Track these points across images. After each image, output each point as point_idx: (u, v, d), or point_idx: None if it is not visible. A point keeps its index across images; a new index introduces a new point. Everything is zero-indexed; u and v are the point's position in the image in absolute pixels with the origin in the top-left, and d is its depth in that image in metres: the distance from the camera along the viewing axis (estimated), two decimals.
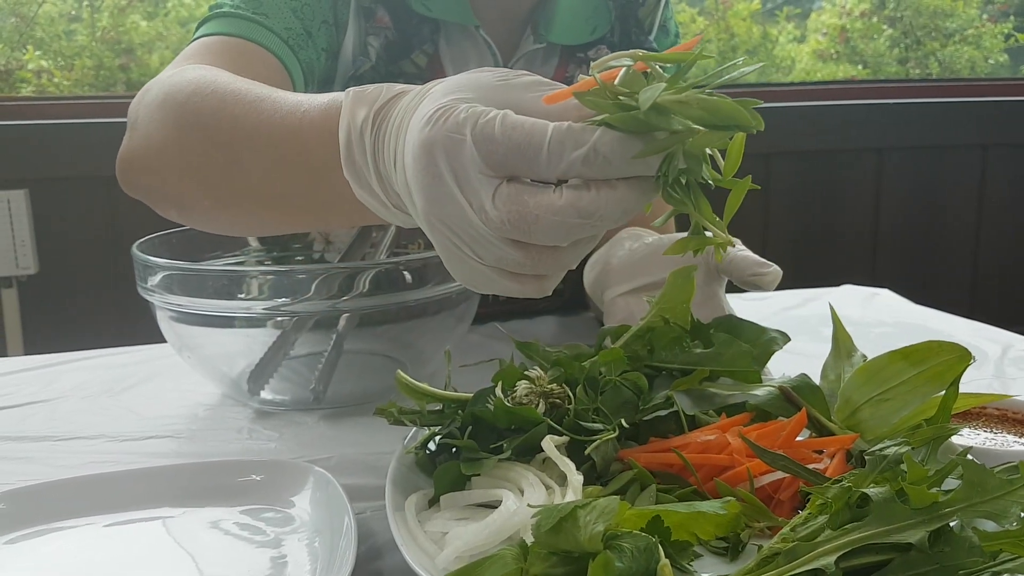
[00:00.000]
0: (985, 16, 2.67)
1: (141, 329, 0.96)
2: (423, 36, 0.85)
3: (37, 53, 2.26)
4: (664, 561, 0.40)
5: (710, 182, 0.42)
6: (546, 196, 0.40)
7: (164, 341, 0.78)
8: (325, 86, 0.84)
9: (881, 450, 0.48)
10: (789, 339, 0.64)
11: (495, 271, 0.43)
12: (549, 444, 0.51)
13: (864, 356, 0.61)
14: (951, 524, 0.40)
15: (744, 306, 0.95)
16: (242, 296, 0.70)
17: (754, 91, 2.18)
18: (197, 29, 0.77)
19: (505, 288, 0.44)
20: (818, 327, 0.92)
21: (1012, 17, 2.68)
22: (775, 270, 0.67)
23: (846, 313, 0.64)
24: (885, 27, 2.64)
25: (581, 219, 0.40)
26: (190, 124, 0.58)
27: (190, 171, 0.59)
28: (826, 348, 0.63)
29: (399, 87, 0.48)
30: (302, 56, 0.78)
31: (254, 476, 0.56)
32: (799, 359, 0.69)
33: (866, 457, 0.48)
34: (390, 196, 0.48)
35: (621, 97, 0.41)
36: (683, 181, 0.41)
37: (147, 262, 0.71)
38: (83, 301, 1.76)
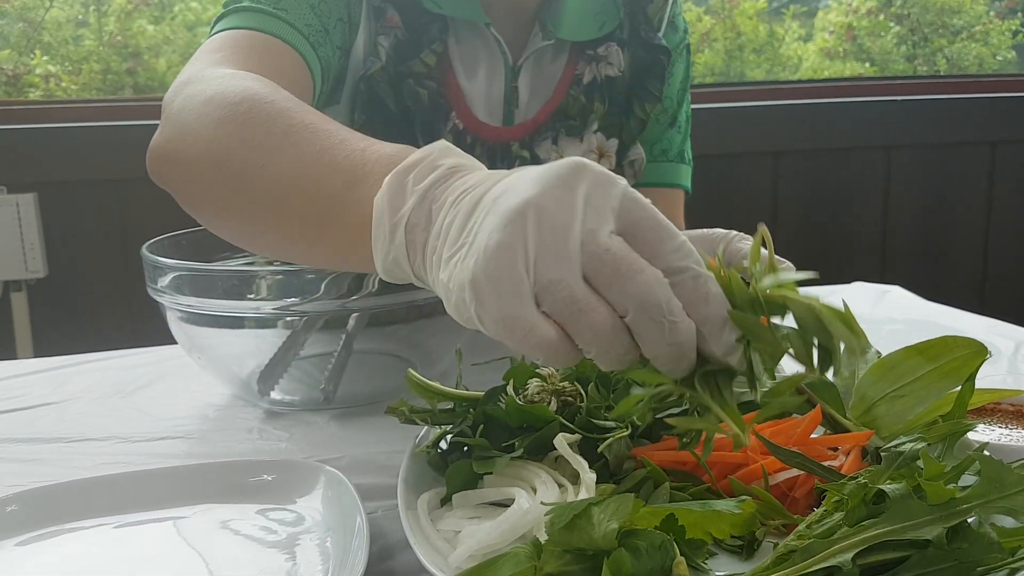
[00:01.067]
0: (992, 13, 2.66)
1: (150, 331, 0.96)
2: (432, 35, 0.85)
3: (45, 58, 2.27)
4: (679, 559, 0.39)
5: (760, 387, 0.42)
6: (652, 272, 0.38)
7: (174, 343, 0.78)
8: (337, 84, 0.84)
9: (897, 446, 0.48)
10: None
11: (534, 304, 0.39)
12: (562, 442, 0.51)
13: (878, 352, 0.60)
14: (968, 520, 0.40)
15: None
16: (252, 296, 0.70)
17: (762, 89, 2.18)
18: (215, 23, 0.77)
19: (519, 336, 0.40)
20: None
21: (1020, 14, 2.67)
22: (787, 266, 0.67)
23: (857, 310, 0.63)
24: (892, 24, 2.63)
25: (655, 319, 0.38)
26: (236, 126, 0.56)
27: (217, 167, 0.57)
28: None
29: (451, 161, 0.45)
30: (321, 53, 0.78)
31: (266, 476, 0.56)
32: None
33: (882, 454, 0.47)
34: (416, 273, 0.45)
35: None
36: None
37: (157, 263, 0.71)
38: (92, 304, 1.76)
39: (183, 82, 0.65)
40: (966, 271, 2.17)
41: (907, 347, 0.55)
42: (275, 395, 0.74)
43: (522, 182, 0.40)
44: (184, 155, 0.59)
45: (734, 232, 0.71)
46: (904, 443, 0.48)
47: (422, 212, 0.43)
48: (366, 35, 0.84)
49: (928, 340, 0.54)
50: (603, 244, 0.38)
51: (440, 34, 0.85)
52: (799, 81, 2.44)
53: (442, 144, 0.46)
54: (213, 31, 0.76)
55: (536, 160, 0.90)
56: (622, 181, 0.40)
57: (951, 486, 0.41)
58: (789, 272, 0.67)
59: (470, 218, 0.41)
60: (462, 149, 0.95)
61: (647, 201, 0.40)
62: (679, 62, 0.97)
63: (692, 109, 1.02)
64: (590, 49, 0.90)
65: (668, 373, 0.40)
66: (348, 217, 0.47)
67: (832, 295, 1.05)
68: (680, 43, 0.97)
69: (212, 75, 0.63)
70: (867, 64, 2.62)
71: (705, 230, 0.73)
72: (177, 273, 0.71)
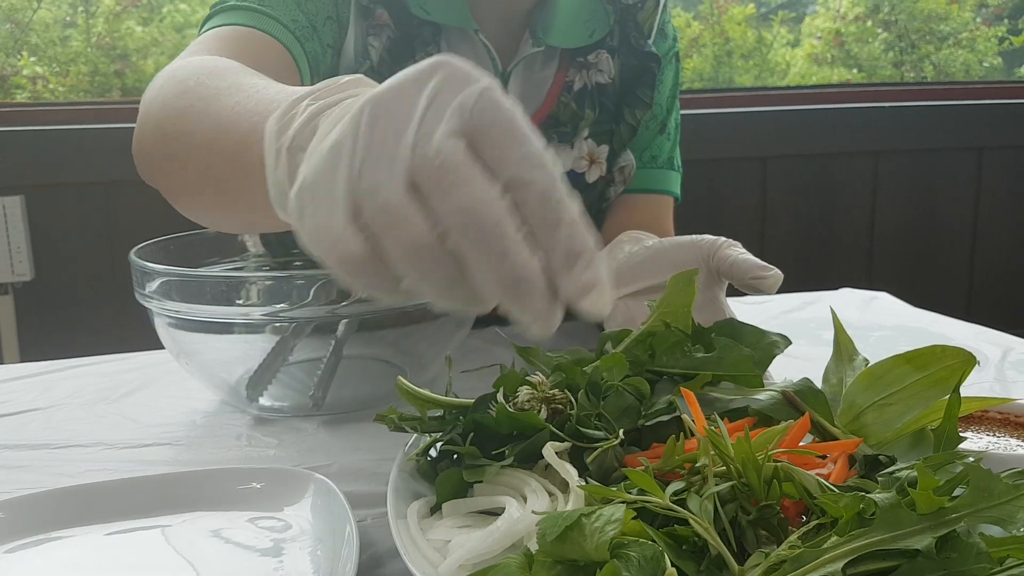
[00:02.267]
0: (979, 19, 2.68)
1: (138, 336, 0.95)
2: (425, 38, 0.85)
3: (32, 59, 2.25)
4: (671, 570, 0.39)
5: None
6: (481, 184, 0.32)
7: (161, 347, 0.77)
8: None
9: (893, 472, 0.48)
10: (790, 342, 0.63)
11: (347, 214, 0.34)
12: (550, 451, 0.51)
13: (866, 360, 0.60)
14: (957, 530, 0.40)
15: (742, 309, 0.95)
16: (240, 302, 0.69)
17: (750, 95, 2.19)
18: (203, 24, 0.78)
19: (326, 247, 0.35)
20: (817, 331, 0.92)
21: (1006, 20, 2.69)
22: (776, 273, 0.67)
23: (845, 317, 0.64)
24: (880, 31, 2.65)
25: (477, 242, 0.32)
26: (177, 96, 0.56)
27: (162, 142, 0.57)
28: (826, 351, 0.63)
29: (359, 89, 0.41)
30: (308, 48, 0.78)
31: (254, 484, 0.56)
32: (799, 363, 0.69)
33: (878, 477, 0.47)
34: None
35: None
36: None
37: (145, 268, 0.71)
38: (79, 308, 1.75)
39: (156, 77, 0.66)
40: (953, 276, 2.18)
41: (896, 356, 0.55)
42: (264, 401, 0.74)
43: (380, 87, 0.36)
44: (144, 141, 0.60)
45: (723, 239, 0.71)
46: (902, 469, 0.48)
47: (307, 132, 0.39)
48: (356, 35, 0.84)
49: (917, 349, 0.54)
50: (435, 146, 0.32)
51: (433, 38, 0.85)
52: (787, 87, 2.46)
53: (355, 76, 0.42)
54: (202, 31, 0.76)
55: None
56: (485, 80, 0.34)
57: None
58: (777, 279, 0.68)
59: (339, 124, 0.36)
60: None
61: (508, 103, 0.34)
62: (668, 69, 0.97)
63: (681, 115, 1.02)
64: (580, 56, 0.91)
65: (526, 328, 0.33)
66: (252, 156, 0.43)
67: (819, 302, 1.06)
68: (669, 50, 0.97)
69: (170, 65, 0.65)
70: (855, 70, 2.64)
71: (694, 236, 0.73)
72: (165, 279, 0.70)
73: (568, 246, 0.32)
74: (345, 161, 0.34)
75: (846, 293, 1.09)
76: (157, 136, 0.59)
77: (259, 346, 0.73)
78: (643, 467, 0.48)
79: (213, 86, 0.54)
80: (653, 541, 0.40)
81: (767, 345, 0.63)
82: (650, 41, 0.93)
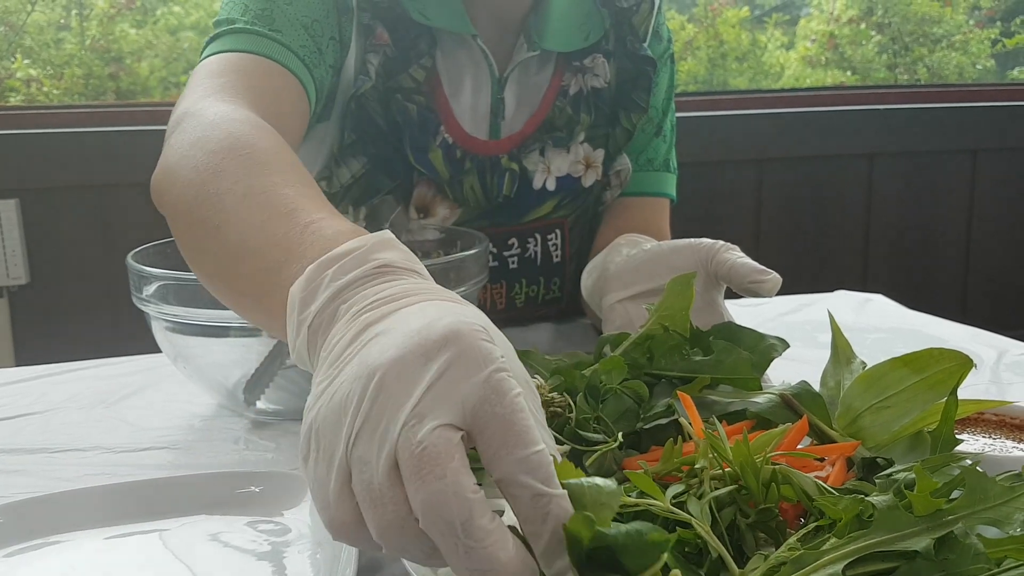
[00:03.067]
0: (972, 22, 2.69)
1: (134, 340, 0.95)
2: (420, 50, 0.85)
3: (26, 62, 2.25)
4: (675, 571, 0.39)
5: None
6: (453, 483, 0.33)
7: (158, 351, 0.77)
8: (328, 102, 0.84)
9: (891, 475, 0.48)
10: (788, 345, 0.64)
11: (341, 476, 0.35)
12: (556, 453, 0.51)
13: (863, 363, 0.61)
14: (955, 531, 0.40)
15: (738, 312, 0.95)
16: None
17: (745, 98, 2.19)
18: (209, 43, 0.76)
19: (319, 504, 0.37)
20: (813, 333, 0.92)
21: (999, 23, 2.70)
22: (774, 277, 0.67)
23: (840, 319, 0.64)
24: (873, 33, 2.66)
25: (445, 535, 0.33)
26: (209, 175, 0.56)
27: (188, 215, 0.57)
28: (822, 354, 0.63)
29: (383, 257, 0.42)
30: (316, 75, 0.77)
31: (253, 487, 0.56)
32: (796, 365, 0.69)
33: (876, 480, 0.47)
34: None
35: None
36: None
37: (142, 272, 0.71)
38: (75, 311, 1.74)
39: (182, 114, 0.65)
40: (948, 278, 2.19)
41: (893, 359, 0.55)
42: (261, 405, 0.74)
43: (397, 331, 0.36)
44: (168, 194, 0.60)
45: (721, 242, 0.71)
46: (899, 471, 0.48)
47: (327, 313, 0.41)
48: (356, 53, 0.83)
49: (914, 352, 0.54)
50: (421, 435, 0.33)
51: (428, 49, 0.85)
52: (782, 90, 2.47)
53: (381, 236, 0.44)
54: (207, 50, 0.75)
55: (524, 173, 0.90)
56: (492, 364, 0.34)
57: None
58: (775, 283, 0.68)
59: (348, 348, 0.38)
60: (452, 163, 0.95)
61: (514, 392, 0.34)
62: (664, 71, 0.97)
63: (676, 118, 1.02)
64: (576, 60, 0.91)
65: None
66: (277, 296, 0.45)
67: (815, 304, 1.06)
68: (664, 52, 0.98)
69: (206, 111, 0.63)
70: (848, 72, 2.65)
71: (692, 240, 0.73)
72: (163, 283, 0.70)
73: (552, 538, 0.34)
74: (346, 425, 0.35)
75: (841, 295, 1.10)
76: (180, 208, 0.58)
77: (256, 350, 0.73)
78: (642, 470, 0.49)
79: (244, 185, 0.53)
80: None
81: (765, 348, 0.64)
82: (645, 44, 0.93)
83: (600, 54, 0.91)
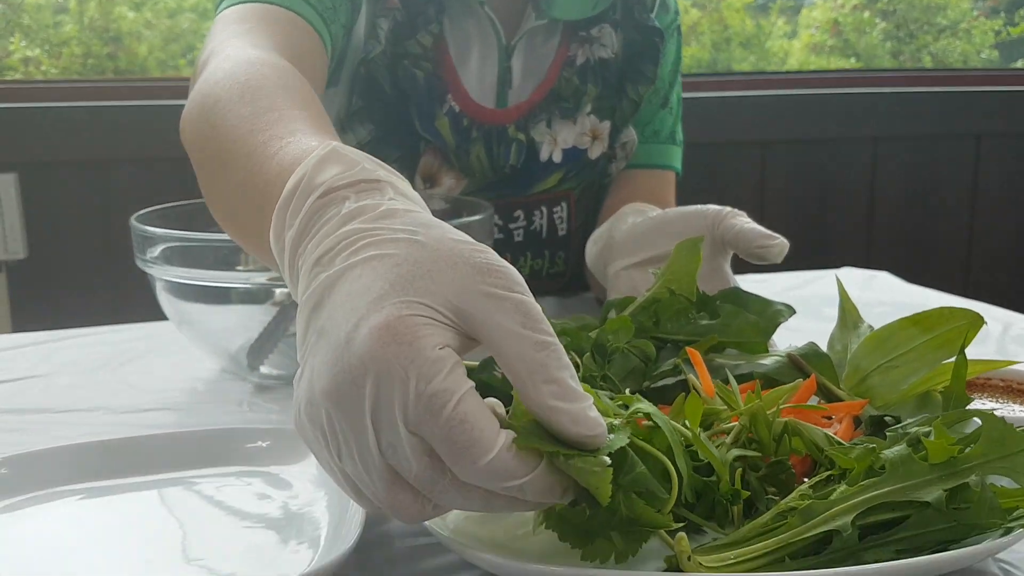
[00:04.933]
0: (976, 11, 2.68)
1: (133, 314, 0.95)
2: (428, 16, 0.84)
3: (23, 44, 2.24)
4: (681, 534, 0.39)
5: None
6: (462, 490, 0.35)
7: (159, 322, 0.77)
8: (339, 65, 0.84)
9: (904, 427, 0.48)
10: (794, 311, 0.63)
11: (350, 483, 0.37)
12: (590, 389, 0.50)
13: (870, 327, 0.60)
14: (969, 482, 0.40)
15: (745, 286, 0.95)
16: (241, 268, 0.69)
17: (750, 80, 2.19)
18: None
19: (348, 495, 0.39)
20: (820, 307, 0.92)
21: (1003, 14, 2.70)
22: (782, 241, 0.67)
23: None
24: (878, 20, 2.65)
25: (485, 509, 0.37)
26: (221, 116, 0.57)
27: (200, 154, 0.59)
28: (828, 326, 0.63)
29: (326, 180, 0.41)
30: (332, 30, 0.78)
31: (260, 442, 0.56)
32: (803, 336, 0.68)
33: (887, 433, 0.47)
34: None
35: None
36: None
37: (146, 233, 0.71)
38: (73, 286, 1.74)
39: (208, 55, 0.66)
40: (950, 262, 2.19)
41: (902, 319, 0.55)
42: (264, 370, 0.74)
43: (326, 342, 0.36)
44: (188, 134, 0.61)
45: (727, 208, 0.71)
46: (910, 424, 0.48)
47: (292, 272, 0.41)
48: (367, 16, 0.83)
49: (924, 311, 0.54)
50: (404, 464, 0.35)
51: (436, 15, 0.85)
52: (787, 72, 2.46)
53: (322, 153, 0.42)
54: (228, 3, 0.75)
55: (532, 144, 0.89)
56: (412, 379, 0.33)
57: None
58: (783, 247, 0.67)
59: (306, 334, 0.38)
60: (459, 132, 0.95)
61: (449, 406, 0.33)
62: (671, 42, 0.97)
63: (681, 99, 1.02)
64: (583, 30, 0.90)
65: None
66: (265, 238, 0.45)
67: (821, 280, 1.06)
68: (671, 24, 0.97)
69: (231, 54, 0.64)
70: (853, 59, 2.64)
71: (698, 206, 0.73)
72: (167, 244, 0.70)
73: (533, 503, 0.36)
74: (323, 444, 0.36)
75: (846, 272, 1.09)
76: (195, 147, 0.60)
77: (259, 316, 0.73)
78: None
79: (250, 120, 0.54)
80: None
81: (772, 314, 0.64)
82: (652, 15, 0.92)
83: (608, 24, 0.90)
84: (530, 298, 0.36)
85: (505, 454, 0.34)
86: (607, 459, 0.36)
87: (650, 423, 0.41)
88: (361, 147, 0.85)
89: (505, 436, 0.35)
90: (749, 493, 0.43)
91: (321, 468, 0.39)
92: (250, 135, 0.52)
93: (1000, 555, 0.45)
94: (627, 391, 0.54)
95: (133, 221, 0.73)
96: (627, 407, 0.42)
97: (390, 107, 0.85)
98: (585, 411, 0.35)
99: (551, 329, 0.36)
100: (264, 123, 0.52)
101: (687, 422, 0.44)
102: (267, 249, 0.44)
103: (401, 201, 0.40)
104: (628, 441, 0.37)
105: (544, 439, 0.35)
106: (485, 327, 0.35)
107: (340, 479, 0.38)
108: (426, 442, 0.34)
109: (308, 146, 0.46)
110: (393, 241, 0.37)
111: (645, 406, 0.41)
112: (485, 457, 0.34)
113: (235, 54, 0.64)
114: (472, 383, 0.35)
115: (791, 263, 0.81)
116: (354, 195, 0.40)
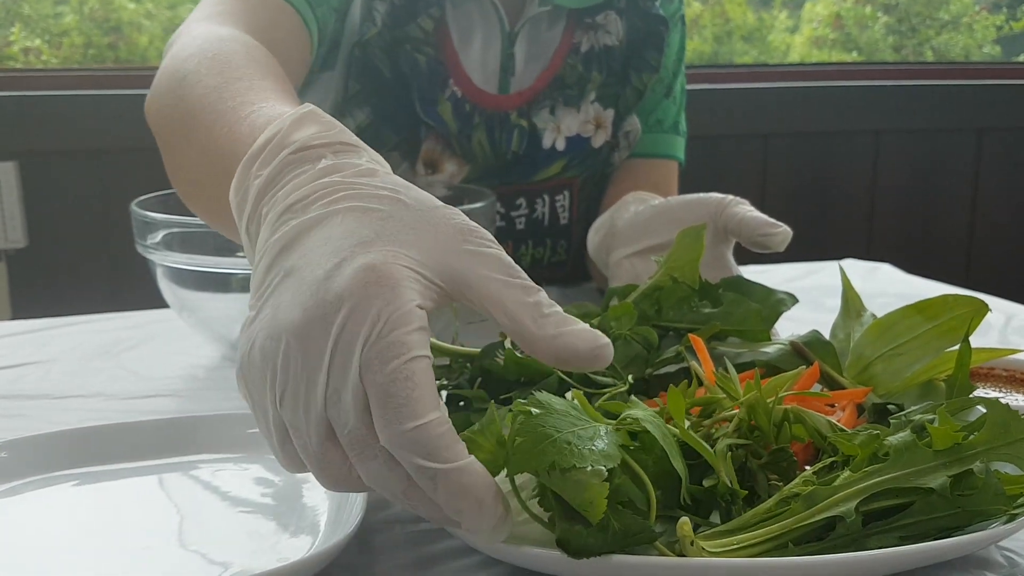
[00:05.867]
0: (978, 6, 2.67)
1: (132, 301, 0.94)
2: (428, 0, 0.84)
3: (24, 34, 2.23)
4: (684, 519, 0.39)
5: None
6: (388, 462, 0.35)
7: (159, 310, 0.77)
8: (332, 49, 0.83)
9: (907, 414, 0.47)
10: (797, 300, 0.63)
11: (280, 433, 0.37)
12: (580, 395, 0.50)
13: (873, 315, 0.60)
14: (973, 468, 0.40)
15: (746, 276, 0.94)
16: (242, 254, 0.69)
17: (752, 72, 2.18)
18: None
19: (272, 447, 0.38)
20: (821, 298, 0.92)
21: (1005, 9, 2.69)
22: (784, 229, 0.67)
23: None
24: (880, 15, 2.64)
25: (402, 498, 0.35)
26: (187, 89, 0.57)
27: (164, 129, 0.60)
28: (830, 317, 0.63)
29: (299, 138, 0.41)
30: (319, 13, 0.77)
31: None
32: (804, 327, 0.68)
33: (891, 420, 0.47)
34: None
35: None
36: None
37: (147, 219, 0.70)
38: (73, 275, 1.73)
39: (176, 35, 0.67)
40: (951, 255, 2.18)
41: (905, 306, 0.55)
42: None
43: (300, 279, 0.36)
44: (154, 110, 0.62)
45: (730, 196, 0.71)
46: (914, 411, 0.48)
47: (255, 220, 0.40)
48: (362, 0, 0.83)
49: (927, 299, 0.54)
50: (343, 417, 0.34)
51: None
52: (789, 65, 2.45)
53: (298, 112, 0.42)
54: None
55: (534, 130, 0.89)
56: (380, 322, 0.34)
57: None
58: (786, 235, 0.67)
59: (264, 279, 0.37)
60: (461, 117, 0.95)
61: (399, 359, 0.33)
62: (675, 31, 0.96)
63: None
64: (588, 17, 0.90)
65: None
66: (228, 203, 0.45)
67: (823, 271, 1.06)
68: (676, 12, 0.97)
69: (198, 32, 0.64)
70: (855, 53, 2.63)
71: (701, 195, 0.73)
72: (168, 230, 0.70)
73: (448, 508, 0.34)
74: (269, 387, 0.36)
75: (849, 263, 1.09)
76: (160, 123, 0.61)
77: None
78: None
79: (215, 90, 0.54)
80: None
81: (774, 302, 0.63)
82: (657, 3, 0.92)
83: (612, 11, 0.90)
84: (504, 251, 0.38)
85: (433, 428, 0.33)
86: (604, 471, 0.36)
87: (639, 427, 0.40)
88: (360, 131, 0.85)
89: (441, 415, 0.34)
90: (747, 492, 0.43)
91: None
92: (219, 102, 0.52)
93: (1003, 542, 0.45)
94: (629, 378, 0.54)
95: (134, 207, 0.72)
96: (614, 415, 0.42)
97: (388, 91, 0.85)
98: (586, 328, 0.37)
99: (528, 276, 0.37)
100: (234, 91, 0.52)
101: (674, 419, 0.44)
102: (231, 217, 0.43)
103: (379, 165, 0.40)
104: (619, 458, 0.37)
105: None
106: (474, 281, 0.36)
107: (270, 428, 0.37)
108: (367, 398, 0.34)
109: (281, 111, 0.46)
110: (376, 197, 0.38)
111: (636, 411, 0.41)
112: (413, 421, 0.33)
113: (203, 32, 0.64)
114: (430, 355, 0.35)
115: (792, 255, 0.81)
116: (331, 154, 0.40)
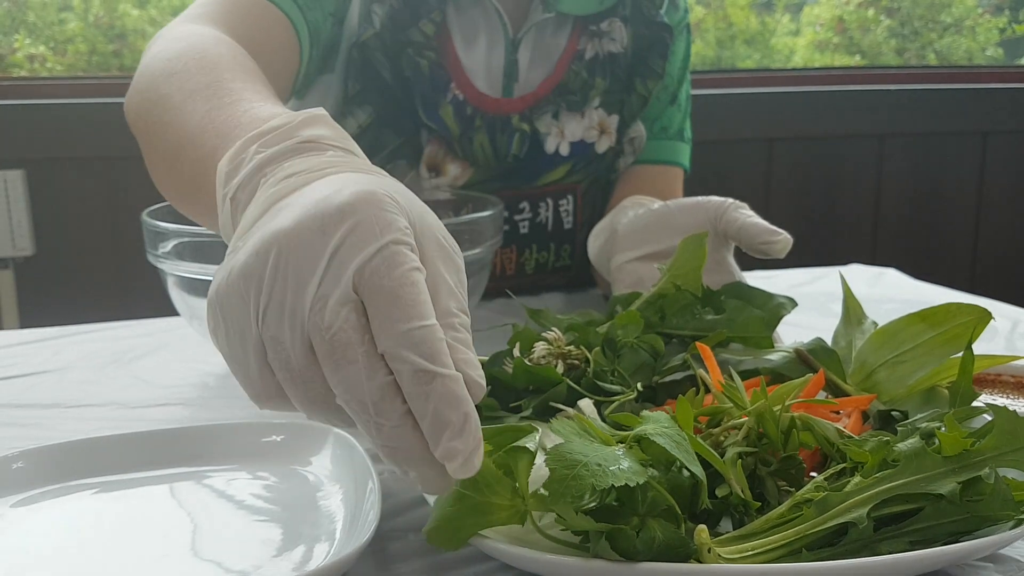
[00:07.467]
0: (981, 9, 2.68)
1: (140, 309, 0.95)
2: (431, 3, 0.84)
3: (27, 41, 2.24)
4: (701, 526, 0.40)
5: None
6: (366, 368, 0.34)
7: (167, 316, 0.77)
8: (331, 52, 0.84)
9: (913, 422, 0.48)
10: (796, 304, 0.64)
11: (257, 353, 0.36)
12: (589, 404, 0.51)
13: (875, 323, 0.61)
14: (982, 475, 0.41)
15: (751, 283, 0.95)
16: None
17: (756, 76, 2.19)
18: None
19: (247, 376, 0.38)
20: (826, 303, 0.92)
21: (1007, 12, 2.69)
22: (785, 237, 0.67)
23: (854, 291, 0.64)
24: (883, 18, 2.65)
25: (364, 414, 0.35)
26: (163, 79, 0.59)
27: (142, 119, 0.61)
28: (835, 323, 0.63)
29: (309, 132, 0.42)
30: (309, 17, 0.78)
31: (275, 437, 0.56)
32: (809, 333, 0.68)
33: (898, 428, 0.48)
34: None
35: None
36: None
37: (158, 228, 0.71)
38: (80, 283, 1.74)
39: (157, 36, 0.69)
40: (956, 259, 2.19)
41: (909, 314, 0.55)
42: None
43: (299, 204, 0.36)
44: (130, 110, 0.64)
45: (730, 200, 0.71)
46: (920, 419, 0.48)
47: (248, 188, 0.41)
48: (361, 3, 0.83)
49: (931, 307, 0.54)
50: (328, 319, 0.34)
51: (439, 3, 0.85)
52: (793, 69, 2.45)
53: (312, 112, 0.43)
54: None
55: (536, 135, 0.90)
56: (388, 234, 0.35)
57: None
58: (786, 243, 0.67)
59: (256, 221, 0.38)
60: (462, 120, 0.96)
61: (405, 266, 0.35)
62: (680, 40, 0.97)
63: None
64: (593, 24, 0.90)
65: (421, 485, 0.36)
66: (211, 180, 0.45)
67: (827, 276, 1.06)
68: (681, 21, 0.97)
69: (175, 32, 0.66)
70: (857, 57, 2.64)
71: (700, 199, 0.73)
72: (179, 240, 0.70)
73: (435, 418, 0.34)
74: (252, 301, 0.35)
75: (854, 268, 1.10)
76: (140, 117, 0.62)
77: None
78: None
79: (194, 82, 0.55)
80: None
81: (774, 307, 0.64)
82: (662, 12, 0.93)
83: (617, 18, 0.90)
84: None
85: (437, 332, 0.34)
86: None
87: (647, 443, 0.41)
88: (361, 131, 0.86)
89: (437, 322, 0.35)
90: (760, 504, 0.44)
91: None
92: (213, 96, 0.53)
93: (1012, 547, 0.45)
94: (638, 386, 0.55)
95: (145, 217, 0.73)
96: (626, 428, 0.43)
97: (389, 93, 0.85)
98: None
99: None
100: (228, 89, 0.53)
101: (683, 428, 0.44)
102: (202, 199, 0.45)
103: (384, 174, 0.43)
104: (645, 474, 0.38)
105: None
106: (425, 258, 0.37)
107: (248, 351, 0.36)
108: (359, 304, 0.34)
109: (283, 110, 0.47)
110: (376, 174, 0.40)
111: (647, 426, 0.41)
112: (419, 321, 0.34)
113: (187, 32, 0.65)
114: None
115: (797, 260, 0.81)
116: (336, 149, 0.42)
